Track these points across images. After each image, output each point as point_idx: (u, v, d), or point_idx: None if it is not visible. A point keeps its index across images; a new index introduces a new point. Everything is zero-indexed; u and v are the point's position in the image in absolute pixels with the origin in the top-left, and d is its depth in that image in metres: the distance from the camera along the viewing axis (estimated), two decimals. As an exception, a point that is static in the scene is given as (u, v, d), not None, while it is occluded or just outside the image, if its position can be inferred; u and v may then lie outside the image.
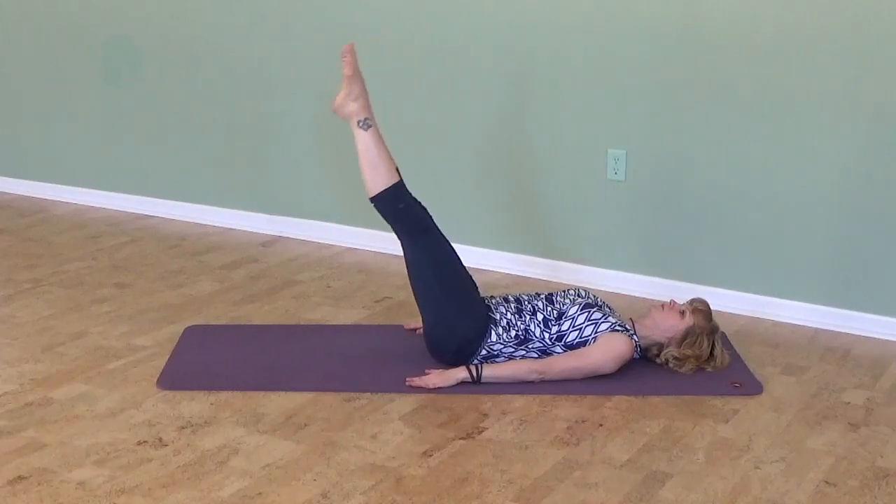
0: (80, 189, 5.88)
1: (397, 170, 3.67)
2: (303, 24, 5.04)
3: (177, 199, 5.59)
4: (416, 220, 3.63)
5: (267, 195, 5.35)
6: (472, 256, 4.78)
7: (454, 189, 4.83)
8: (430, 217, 3.71)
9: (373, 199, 3.63)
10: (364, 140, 3.62)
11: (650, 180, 4.39)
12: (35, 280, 4.60)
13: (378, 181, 3.60)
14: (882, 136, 3.95)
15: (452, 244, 3.72)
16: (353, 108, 3.65)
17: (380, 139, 3.65)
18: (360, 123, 3.63)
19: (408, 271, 3.70)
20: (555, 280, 4.58)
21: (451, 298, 3.61)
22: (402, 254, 3.69)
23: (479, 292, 3.75)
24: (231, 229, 5.39)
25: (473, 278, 3.79)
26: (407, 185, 3.68)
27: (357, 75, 3.66)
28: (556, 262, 4.64)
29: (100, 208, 5.77)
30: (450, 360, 3.60)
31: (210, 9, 5.28)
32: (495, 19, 4.57)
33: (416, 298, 3.69)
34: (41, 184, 6.02)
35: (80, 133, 5.84)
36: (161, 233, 5.35)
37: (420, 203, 3.71)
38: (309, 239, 5.20)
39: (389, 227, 3.70)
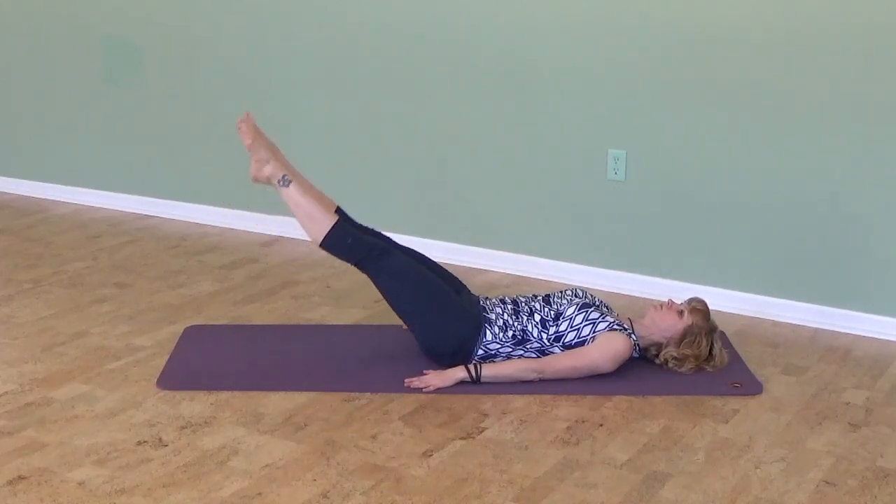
0: (80, 189, 5.88)
1: (337, 209, 3.72)
2: (302, 24, 5.04)
3: (177, 199, 5.58)
4: (368, 248, 3.64)
5: (267, 195, 5.31)
6: (472, 256, 4.80)
7: (453, 189, 4.83)
8: (383, 236, 3.76)
9: (321, 247, 3.65)
10: (290, 195, 3.65)
11: (650, 180, 4.39)
12: (35, 280, 4.60)
13: (319, 228, 3.62)
14: (882, 136, 3.95)
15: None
16: (267, 171, 3.68)
17: (305, 188, 3.67)
18: (281, 182, 3.66)
19: (385, 299, 3.72)
20: (555, 280, 4.57)
21: (434, 307, 3.61)
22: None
23: (464, 290, 3.77)
24: (231, 229, 5.39)
25: (458, 277, 3.82)
26: (348, 214, 3.75)
27: (258, 141, 3.67)
28: (556, 262, 4.64)
29: (100, 208, 5.77)
30: (449, 363, 3.60)
31: (210, 9, 5.28)
32: (495, 20, 4.57)
33: (401, 319, 3.71)
34: (41, 184, 6.01)
35: (79, 133, 5.83)
36: (161, 233, 5.35)
37: (368, 228, 3.76)
38: (309, 239, 5.18)
39: (347, 263, 3.71)
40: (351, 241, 3.63)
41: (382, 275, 3.64)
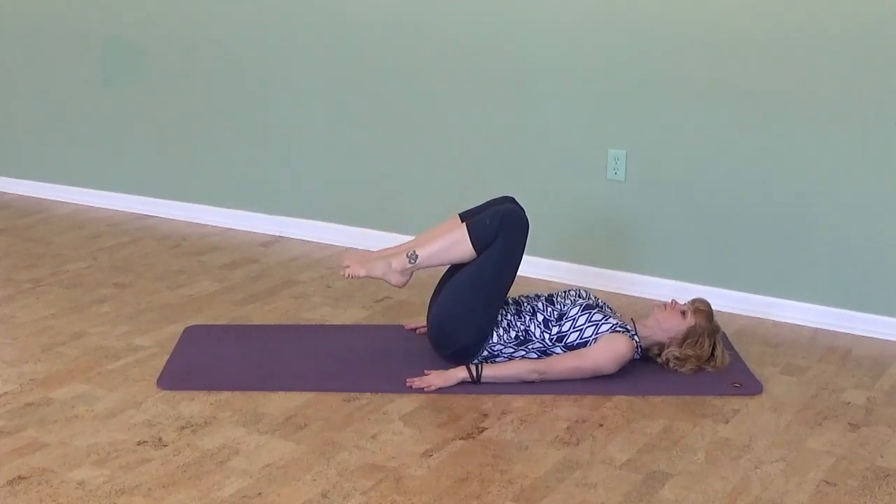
0: (80, 189, 5.88)
1: (460, 216, 3.70)
2: (303, 23, 5.04)
3: (177, 199, 5.58)
4: (513, 216, 3.57)
5: (267, 195, 5.35)
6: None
7: (453, 188, 4.82)
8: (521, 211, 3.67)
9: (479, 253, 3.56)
10: (425, 258, 3.60)
11: (650, 180, 4.39)
12: (35, 280, 4.60)
13: (464, 247, 3.55)
14: (882, 136, 3.95)
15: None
16: (397, 269, 3.63)
17: (425, 238, 3.67)
18: (411, 261, 3.61)
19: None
20: (555, 280, 4.57)
21: (489, 297, 3.57)
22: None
23: None
24: (231, 229, 5.39)
25: None
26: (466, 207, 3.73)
27: (370, 268, 3.64)
28: (556, 263, 4.63)
29: (100, 208, 5.77)
30: (450, 355, 3.60)
31: (210, 9, 5.28)
32: (496, 19, 4.57)
33: (454, 273, 3.64)
34: (41, 184, 6.01)
35: (80, 133, 5.83)
36: (161, 233, 5.35)
37: (497, 200, 3.73)
38: (309, 239, 5.20)
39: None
40: (489, 220, 3.56)
41: (505, 242, 3.55)
